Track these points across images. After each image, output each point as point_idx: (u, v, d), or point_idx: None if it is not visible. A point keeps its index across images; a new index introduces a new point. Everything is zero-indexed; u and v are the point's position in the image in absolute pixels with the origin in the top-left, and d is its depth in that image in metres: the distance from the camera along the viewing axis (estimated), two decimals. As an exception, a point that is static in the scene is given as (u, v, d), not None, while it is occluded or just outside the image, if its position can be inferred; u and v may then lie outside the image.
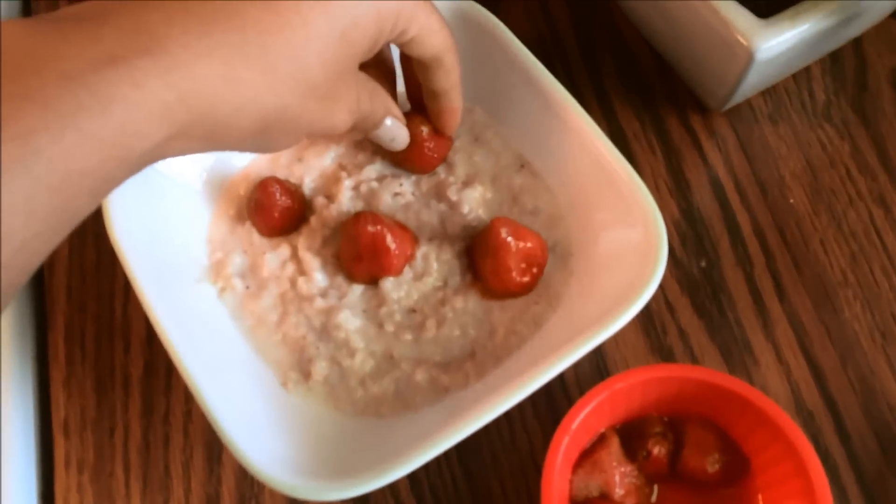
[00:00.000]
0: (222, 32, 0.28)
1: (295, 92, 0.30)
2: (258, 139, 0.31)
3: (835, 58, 0.52)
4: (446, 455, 0.43)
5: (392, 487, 0.42)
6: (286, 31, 0.29)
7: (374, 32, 0.33)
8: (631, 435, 0.40)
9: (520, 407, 0.43)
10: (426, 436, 0.36)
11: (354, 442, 0.39)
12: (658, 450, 0.39)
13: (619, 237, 0.40)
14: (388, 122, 0.40)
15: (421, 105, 0.43)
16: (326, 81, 0.31)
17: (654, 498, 0.39)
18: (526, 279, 0.41)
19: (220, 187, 0.46)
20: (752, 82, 0.45)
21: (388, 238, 0.41)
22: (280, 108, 0.30)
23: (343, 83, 0.33)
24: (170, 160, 0.43)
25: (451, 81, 0.39)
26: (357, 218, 0.42)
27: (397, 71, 0.42)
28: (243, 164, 0.46)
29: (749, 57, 0.41)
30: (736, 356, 0.44)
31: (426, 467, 0.42)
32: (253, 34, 0.28)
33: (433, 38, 0.36)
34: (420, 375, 0.40)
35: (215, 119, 0.28)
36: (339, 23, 0.31)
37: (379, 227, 0.41)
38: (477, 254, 0.42)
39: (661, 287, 0.46)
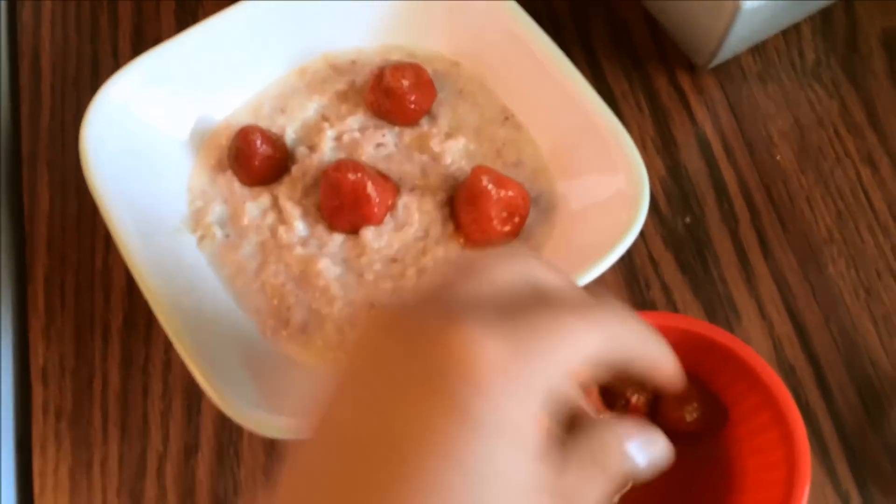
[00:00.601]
0: None
1: None
2: None
3: (826, 18, 0.51)
4: (426, 407, 0.42)
5: (371, 438, 0.42)
6: None
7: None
8: (610, 384, 0.39)
9: (500, 359, 0.43)
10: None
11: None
12: (637, 398, 0.38)
13: (601, 185, 0.40)
14: (633, 449, 0.26)
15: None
16: None
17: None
18: (507, 228, 0.41)
19: (201, 137, 0.46)
20: (740, 35, 0.44)
21: (370, 186, 0.41)
22: None
23: None
24: (151, 110, 0.44)
25: (636, 351, 0.27)
26: (338, 166, 0.41)
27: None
28: (225, 114, 0.46)
29: (735, 7, 0.41)
30: (719, 312, 0.44)
31: (405, 418, 0.42)
32: None
33: (591, 348, 0.24)
34: (399, 324, 0.40)
35: None
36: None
37: (360, 175, 0.41)
38: (458, 203, 0.42)
39: (646, 242, 0.45)
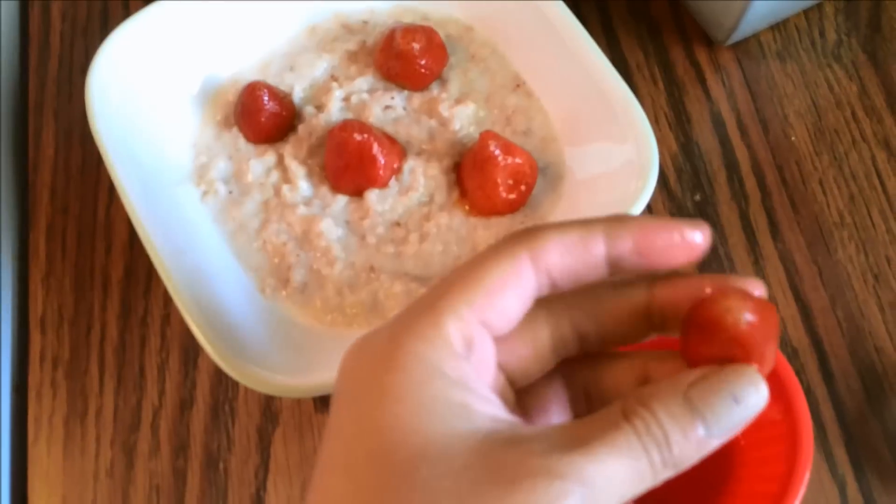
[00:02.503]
0: None
1: None
2: None
3: (849, -3, 0.50)
4: (423, 373, 0.42)
5: (366, 401, 0.42)
6: None
7: None
8: None
9: (500, 329, 0.43)
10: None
11: (328, 348, 0.38)
12: None
13: (610, 155, 0.39)
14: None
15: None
16: None
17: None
18: (512, 196, 0.40)
19: (209, 93, 0.45)
20: (760, 11, 0.43)
21: (375, 147, 0.40)
22: None
23: None
24: (159, 63, 0.43)
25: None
26: (344, 125, 0.41)
27: None
28: (233, 70, 0.45)
29: (757, -21, 0.40)
30: (724, 291, 0.43)
31: (402, 383, 0.42)
32: None
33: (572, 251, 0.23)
34: (398, 288, 0.40)
35: None
36: None
37: (366, 136, 0.40)
38: (464, 169, 0.41)
39: (653, 217, 0.45)
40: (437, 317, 0.22)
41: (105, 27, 0.50)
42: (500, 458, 0.20)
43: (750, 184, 0.46)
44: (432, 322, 0.22)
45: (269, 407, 0.42)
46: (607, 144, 0.39)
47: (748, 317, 0.22)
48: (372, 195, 0.41)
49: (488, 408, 0.22)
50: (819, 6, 0.50)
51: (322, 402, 0.42)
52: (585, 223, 0.23)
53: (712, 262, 0.44)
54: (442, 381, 0.21)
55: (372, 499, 0.21)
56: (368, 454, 0.21)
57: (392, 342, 0.22)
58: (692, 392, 0.21)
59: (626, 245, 0.23)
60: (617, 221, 0.23)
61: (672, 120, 0.47)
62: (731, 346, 0.22)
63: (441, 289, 0.23)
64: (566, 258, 0.23)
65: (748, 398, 0.21)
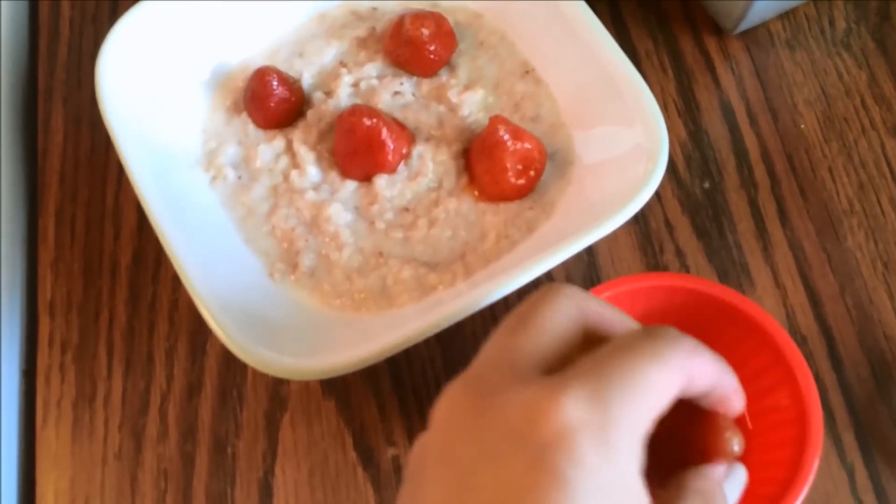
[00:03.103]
0: None
1: None
2: None
3: (859, -14, 0.50)
4: (431, 359, 0.42)
5: (374, 386, 0.42)
6: None
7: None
8: None
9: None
10: (405, 324, 0.35)
11: (337, 332, 0.38)
12: None
13: (619, 139, 0.39)
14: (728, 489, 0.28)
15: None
16: None
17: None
18: (521, 182, 0.40)
19: (218, 78, 0.45)
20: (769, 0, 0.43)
21: (384, 132, 0.40)
22: None
23: None
24: (168, 49, 0.43)
25: (708, 378, 0.26)
26: (353, 110, 0.41)
27: None
28: (243, 56, 0.45)
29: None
30: (732, 278, 0.43)
31: (410, 369, 0.42)
32: None
33: (672, 390, 0.24)
34: (407, 273, 0.40)
35: None
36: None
37: (375, 121, 0.40)
38: (473, 154, 0.41)
39: (662, 205, 0.45)
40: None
41: (114, 14, 0.50)
42: None
43: (759, 171, 0.45)
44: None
45: (278, 392, 0.42)
46: (616, 127, 0.39)
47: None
48: (381, 180, 0.41)
49: None
50: (829, -5, 0.50)
51: (329, 388, 0.42)
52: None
53: (721, 249, 0.44)
54: None
55: None
56: None
57: None
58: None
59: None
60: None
61: (681, 108, 0.47)
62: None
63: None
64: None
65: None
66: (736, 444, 0.28)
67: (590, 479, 0.21)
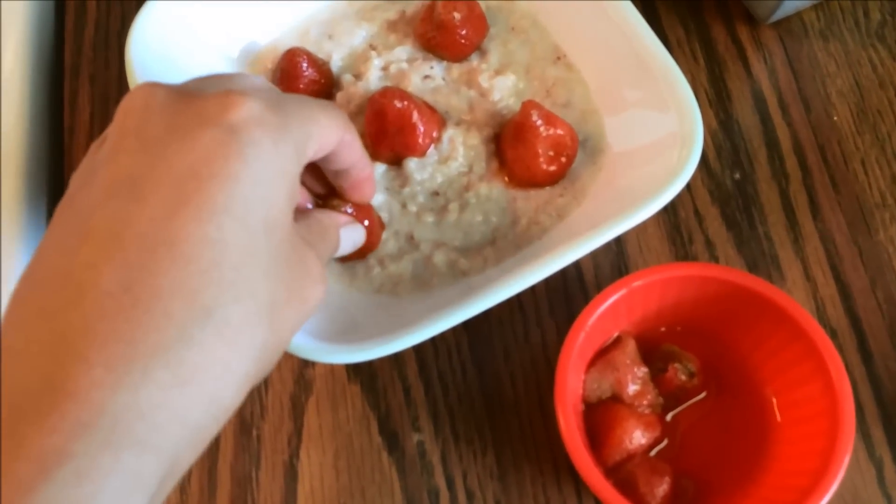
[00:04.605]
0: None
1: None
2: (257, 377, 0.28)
3: (895, -23, 0.49)
4: (457, 344, 0.42)
5: (400, 371, 0.41)
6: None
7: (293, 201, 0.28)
8: (649, 349, 0.39)
9: (535, 304, 0.42)
10: (437, 309, 0.35)
11: (368, 317, 0.38)
12: (674, 372, 0.38)
13: (652, 126, 0.39)
14: (343, 234, 0.35)
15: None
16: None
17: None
18: (553, 168, 0.40)
19: (247, 59, 0.45)
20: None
21: (415, 115, 0.40)
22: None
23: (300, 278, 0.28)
24: (197, 29, 0.43)
25: (355, 154, 0.33)
26: (384, 92, 0.40)
27: None
28: (272, 37, 0.45)
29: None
30: (762, 270, 0.43)
31: (436, 354, 0.42)
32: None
33: (332, 136, 0.31)
34: (438, 258, 0.39)
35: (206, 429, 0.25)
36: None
37: (406, 104, 0.40)
38: (505, 139, 0.41)
39: (692, 195, 0.44)
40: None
41: (142, -7, 0.50)
42: None
43: (791, 163, 0.45)
44: None
45: (303, 375, 0.42)
46: (649, 114, 0.39)
47: None
48: (411, 163, 0.41)
49: None
50: (864, -15, 0.49)
51: (355, 372, 0.42)
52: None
53: (750, 241, 0.43)
54: None
55: None
56: None
57: None
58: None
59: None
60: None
61: (712, 97, 0.47)
62: None
63: None
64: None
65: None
66: None
67: (262, 158, 0.26)
